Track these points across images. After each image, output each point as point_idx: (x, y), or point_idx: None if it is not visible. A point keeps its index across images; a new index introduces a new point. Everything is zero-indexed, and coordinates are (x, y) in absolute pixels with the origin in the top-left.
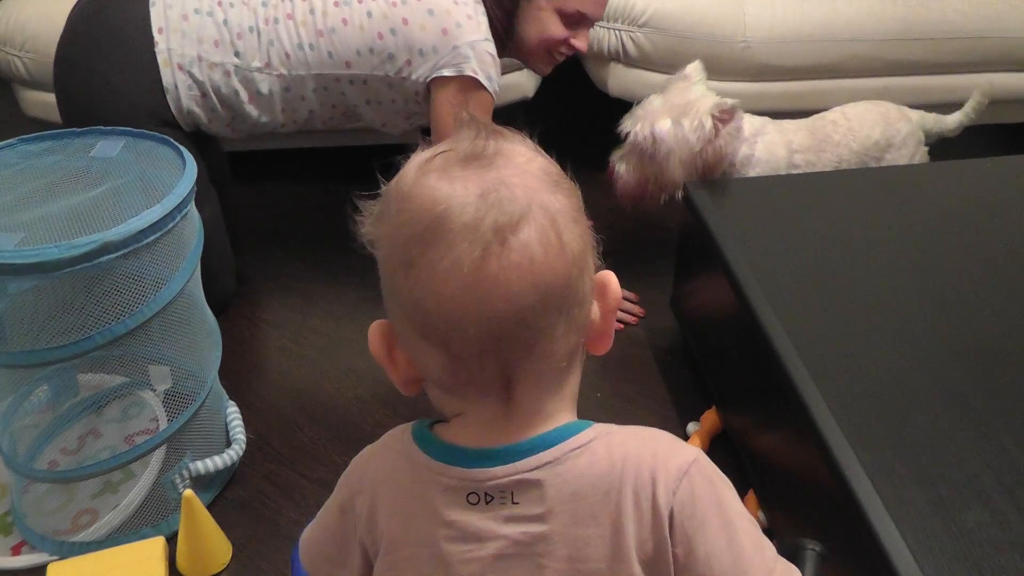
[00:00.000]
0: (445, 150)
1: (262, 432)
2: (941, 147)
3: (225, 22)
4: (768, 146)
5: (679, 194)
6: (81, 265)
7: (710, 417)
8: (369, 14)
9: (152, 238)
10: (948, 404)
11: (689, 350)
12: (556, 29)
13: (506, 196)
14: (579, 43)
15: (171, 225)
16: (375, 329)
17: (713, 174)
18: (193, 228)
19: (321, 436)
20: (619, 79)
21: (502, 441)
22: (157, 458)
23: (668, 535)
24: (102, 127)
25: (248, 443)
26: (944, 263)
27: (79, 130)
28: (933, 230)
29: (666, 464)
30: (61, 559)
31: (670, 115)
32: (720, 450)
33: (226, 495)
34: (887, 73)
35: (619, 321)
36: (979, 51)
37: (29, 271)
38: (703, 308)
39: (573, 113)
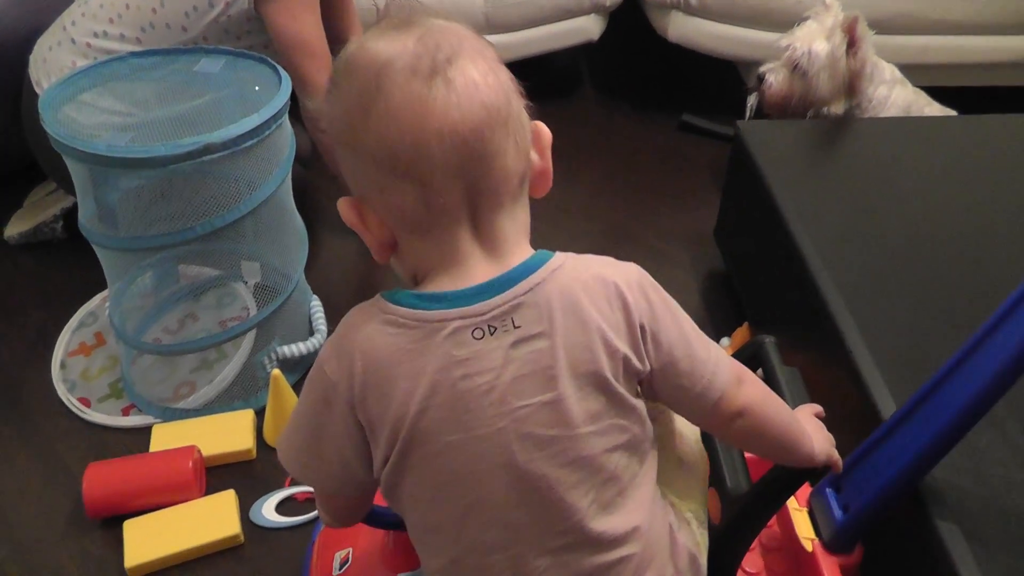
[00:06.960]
0: (378, 25)
1: None
2: (981, 103)
3: (73, 40)
4: (904, 94)
5: (826, 109)
6: (185, 163)
7: (741, 333)
8: None
9: (249, 143)
10: (965, 334)
11: (728, 277)
12: None
13: (440, 38)
14: None
15: (267, 133)
16: (344, 203)
17: (857, 89)
18: (286, 139)
19: None
20: (679, 27)
21: (486, 276)
22: (248, 341)
23: (640, 334)
24: (206, 46)
25: (328, 333)
26: (971, 208)
27: (184, 48)
28: (965, 178)
29: (626, 278)
30: (164, 422)
31: (823, 36)
32: None
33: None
34: (928, 32)
35: None
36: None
37: (139, 165)
38: (745, 236)
39: (634, 57)
